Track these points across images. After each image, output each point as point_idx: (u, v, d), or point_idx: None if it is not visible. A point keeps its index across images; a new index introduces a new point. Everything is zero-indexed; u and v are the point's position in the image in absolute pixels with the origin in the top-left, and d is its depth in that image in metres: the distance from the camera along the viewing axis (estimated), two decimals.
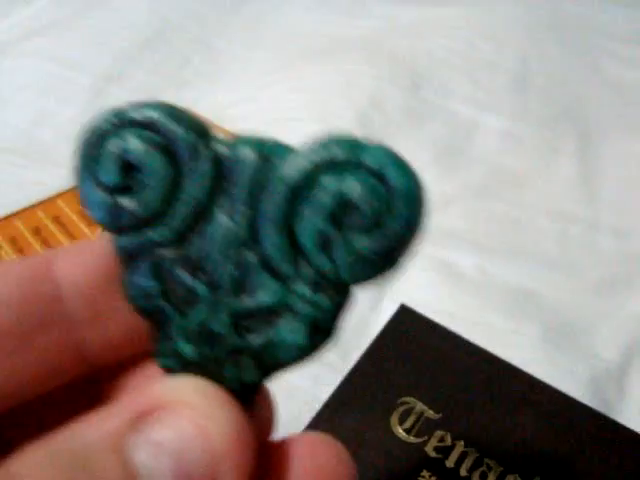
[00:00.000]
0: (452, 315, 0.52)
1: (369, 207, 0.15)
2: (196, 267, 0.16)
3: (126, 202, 0.16)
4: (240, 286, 0.16)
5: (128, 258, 0.16)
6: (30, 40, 0.90)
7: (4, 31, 0.92)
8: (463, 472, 0.40)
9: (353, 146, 0.15)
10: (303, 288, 0.15)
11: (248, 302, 0.16)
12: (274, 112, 0.75)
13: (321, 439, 0.18)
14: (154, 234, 0.16)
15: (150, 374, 0.19)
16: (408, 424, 0.42)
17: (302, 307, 0.15)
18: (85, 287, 0.17)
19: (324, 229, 0.15)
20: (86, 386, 0.19)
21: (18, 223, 0.64)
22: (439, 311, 0.51)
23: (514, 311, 0.54)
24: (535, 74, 0.82)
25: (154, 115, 0.16)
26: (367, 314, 0.53)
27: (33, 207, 0.66)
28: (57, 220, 0.64)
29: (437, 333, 0.47)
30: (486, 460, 0.41)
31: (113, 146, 0.16)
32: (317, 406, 0.43)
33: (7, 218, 0.64)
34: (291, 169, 0.15)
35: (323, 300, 0.15)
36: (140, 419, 0.14)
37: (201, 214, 0.16)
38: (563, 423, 0.43)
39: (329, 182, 0.15)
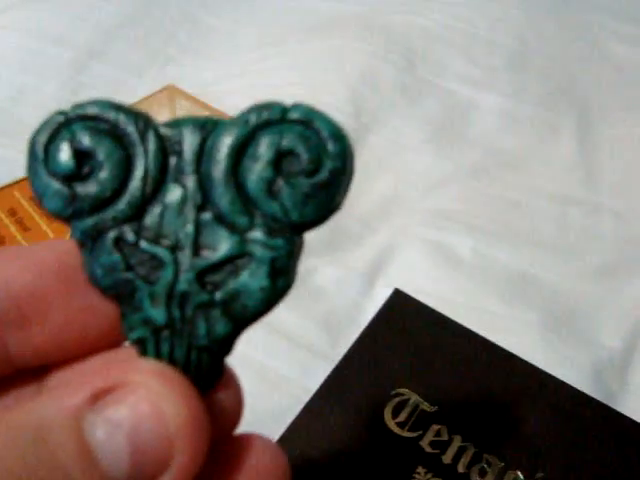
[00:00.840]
0: (448, 300, 0.49)
1: (304, 150, 0.16)
2: (156, 235, 0.17)
3: (80, 188, 0.17)
4: (200, 244, 0.17)
5: (89, 240, 0.17)
6: (8, 14, 0.87)
7: None
8: (461, 468, 0.38)
9: (280, 107, 0.17)
10: (258, 234, 0.17)
11: (209, 257, 0.17)
12: (264, 89, 0.72)
13: (264, 441, 0.18)
14: (112, 211, 0.17)
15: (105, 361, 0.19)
16: (402, 417, 0.40)
17: (259, 251, 0.16)
18: (14, 291, 0.17)
19: (268, 176, 0.16)
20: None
21: None
22: (434, 296, 0.49)
23: (512, 296, 0.52)
24: (533, 52, 0.79)
25: (97, 108, 0.17)
26: (358, 300, 0.50)
27: (9, 186, 0.63)
28: (33, 200, 0.61)
29: (433, 320, 0.45)
30: (485, 455, 0.38)
31: (63, 138, 0.17)
32: (306, 398, 0.41)
33: None
34: (231, 133, 0.17)
35: (278, 241, 0.17)
36: (98, 397, 0.15)
37: (155, 188, 0.17)
38: (565, 415, 0.41)
39: (266, 137, 0.16)
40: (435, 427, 0.39)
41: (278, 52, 0.78)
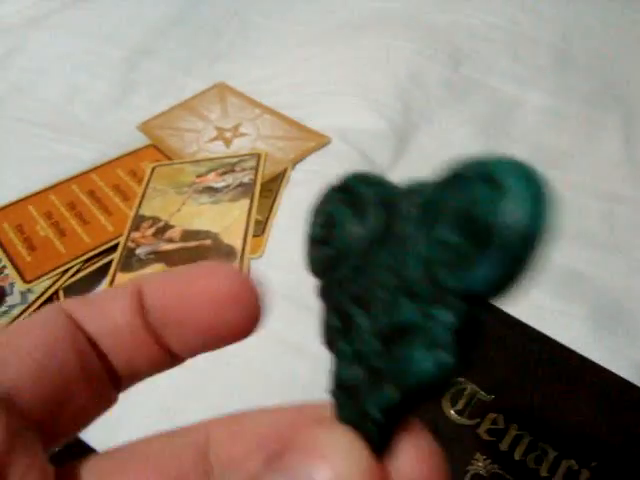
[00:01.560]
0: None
1: (485, 212, 0.14)
2: (356, 297, 0.17)
3: (325, 250, 0.18)
4: (385, 309, 0.16)
5: (321, 298, 0.19)
6: (62, 13, 0.89)
7: (36, 4, 0.91)
8: (517, 456, 0.39)
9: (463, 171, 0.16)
10: (439, 309, 0.15)
11: (390, 322, 0.16)
12: (311, 86, 0.73)
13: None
14: (339, 272, 0.18)
15: None
16: (460, 405, 0.41)
17: (437, 327, 0.15)
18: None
19: (444, 246, 0.15)
20: None
21: (53, 197, 0.63)
22: None
23: (561, 291, 0.52)
24: (577, 50, 0.80)
25: (349, 181, 0.18)
26: None
27: (67, 181, 0.65)
28: (92, 194, 0.63)
29: (489, 312, 0.46)
30: (541, 444, 0.39)
31: (321, 209, 0.19)
32: None
33: (42, 192, 0.64)
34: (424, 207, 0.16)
35: (456, 319, 0.15)
36: (276, 459, 0.16)
37: (367, 252, 0.17)
38: (618, 406, 0.42)
39: (451, 202, 0.15)
40: (491, 416, 0.40)
41: (325, 50, 0.79)
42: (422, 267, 0.16)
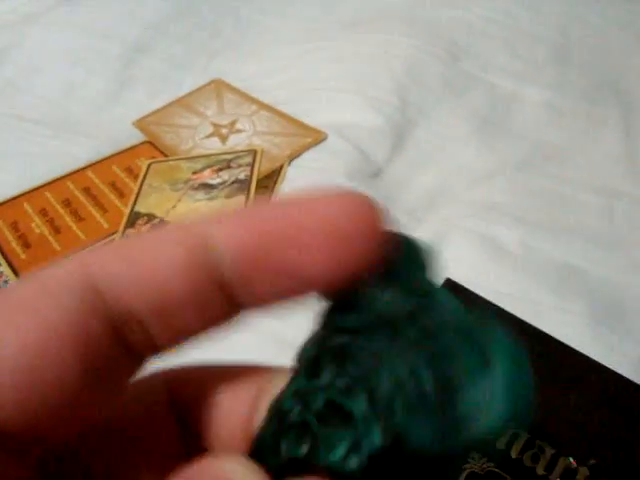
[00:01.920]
0: (496, 291, 0.50)
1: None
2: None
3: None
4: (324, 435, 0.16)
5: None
6: (58, 10, 0.89)
7: (32, 1, 0.91)
8: (514, 454, 0.38)
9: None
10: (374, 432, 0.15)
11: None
12: (309, 82, 0.73)
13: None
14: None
15: None
16: None
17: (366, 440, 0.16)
18: (242, 257, 0.17)
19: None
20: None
21: (48, 194, 0.62)
22: (483, 287, 0.49)
23: (560, 288, 0.52)
24: (576, 45, 0.79)
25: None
26: None
27: (63, 178, 0.64)
28: (87, 191, 0.62)
29: (485, 308, 0.46)
30: (538, 442, 0.39)
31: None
32: None
33: (37, 189, 0.63)
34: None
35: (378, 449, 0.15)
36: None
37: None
38: (616, 403, 0.41)
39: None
40: None
41: (323, 46, 0.78)
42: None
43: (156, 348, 0.17)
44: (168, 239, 0.17)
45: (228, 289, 0.17)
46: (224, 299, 0.17)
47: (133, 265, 0.16)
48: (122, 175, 0.64)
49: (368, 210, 0.16)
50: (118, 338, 0.16)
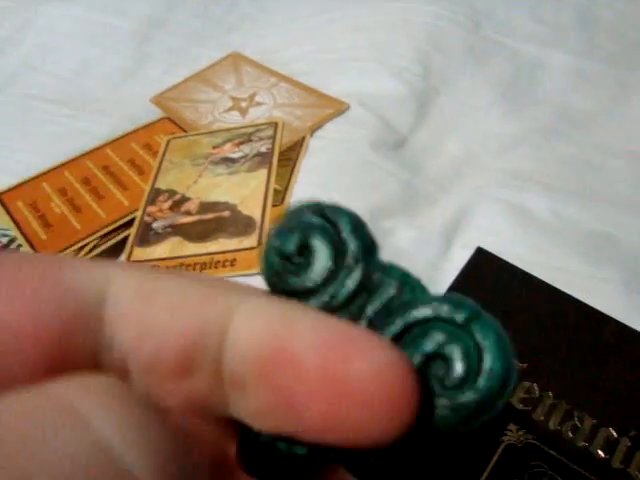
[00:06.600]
0: (527, 260, 0.48)
1: (459, 361, 0.16)
2: None
3: (293, 276, 0.18)
4: None
5: None
6: None
7: None
8: (552, 425, 0.37)
9: (471, 315, 0.17)
10: None
11: None
12: (328, 53, 0.71)
13: None
14: (315, 301, 0.18)
15: None
16: None
17: None
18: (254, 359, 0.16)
19: (419, 366, 0.16)
20: None
21: (67, 174, 0.62)
22: (513, 256, 0.48)
23: (592, 256, 0.50)
24: (602, 7, 0.77)
25: (340, 218, 0.18)
26: (436, 261, 0.50)
27: (82, 157, 0.63)
28: (106, 169, 0.62)
29: (518, 278, 0.44)
30: (577, 413, 0.38)
31: (300, 227, 0.18)
32: None
33: (56, 169, 0.62)
34: (414, 311, 0.17)
35: None
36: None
37: (339, 306, 0.18)
38: None
39: (437, 333, 0.16)
40: (525, 384, 0.39)
41: (341, 16, 0.77)
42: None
43: None
44: (188, 309, 0.16)
45: (221, 389, 0.16)
46: (213, 395, 0.16)
47: (145, 334, 0.16)
48: (141, 152, 0.63)
49: (398, 374, 0.15)
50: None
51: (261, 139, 0.60)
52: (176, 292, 0.16)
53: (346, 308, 0.17)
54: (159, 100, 0.69)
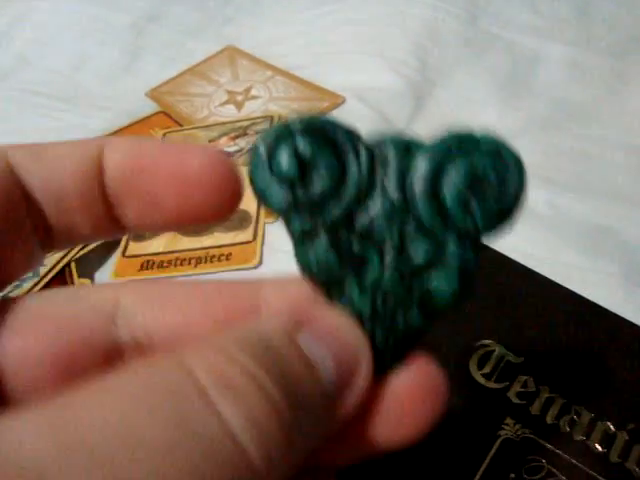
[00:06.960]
0: (525, 253, 0.48)
1: (494, 178, 0.19)
2: (364, 236, 0.20)
3: (300, 191, 0.19)
4: (403, 250, 0.19)
5: (304, 236, 0.20)
6: None
7: None
8: (549, 419, 0.37)
9: (475, 138, 0.19)
10: (452, 246, 0.19)
11: (410, 261, 0.19)
12: (324, 46, 0.71)
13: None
14: (328, 214, 0.19)
15: None
16: (488, 368, 0.39)
17: (453, 260, 0.19)
18: (118, 177, 0.20)
19: (465, 197, 0.19)
20: None
21: None
22: (512, 249, 0.48)
23: (591, 249, 0.50)
24: None
25: (317, 123, 0.19)
26: None
27: None
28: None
29: (517, 272, 0.44)
30: (574, 406, 0.38)
31: (288, 147, 0.19)
32: None
33: None
34: (433, 156, 0.19)
35: (469, 253, 0.19)
36: (300, 323, 0.18)
37: (363, 195, 0.19)
38: None
39: (463, 163, 0.19)
40: (522, 378, 0.39)
41: (337, 9, 0.76)
42: (439, 215, 0.19)
43: (52, 244, 0.21)
44: (73, 148, 0.20)
45: (109, 204, 0.20)
46: (107, 212, 0.20)
47: (43, 164, 0.20)
48: None
49: (223, 165, 0.20)
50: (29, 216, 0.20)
51: (257, 133, 0.60)
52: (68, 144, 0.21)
53: (369, 189, 0.19)
54: (155, 94, 0.69)
